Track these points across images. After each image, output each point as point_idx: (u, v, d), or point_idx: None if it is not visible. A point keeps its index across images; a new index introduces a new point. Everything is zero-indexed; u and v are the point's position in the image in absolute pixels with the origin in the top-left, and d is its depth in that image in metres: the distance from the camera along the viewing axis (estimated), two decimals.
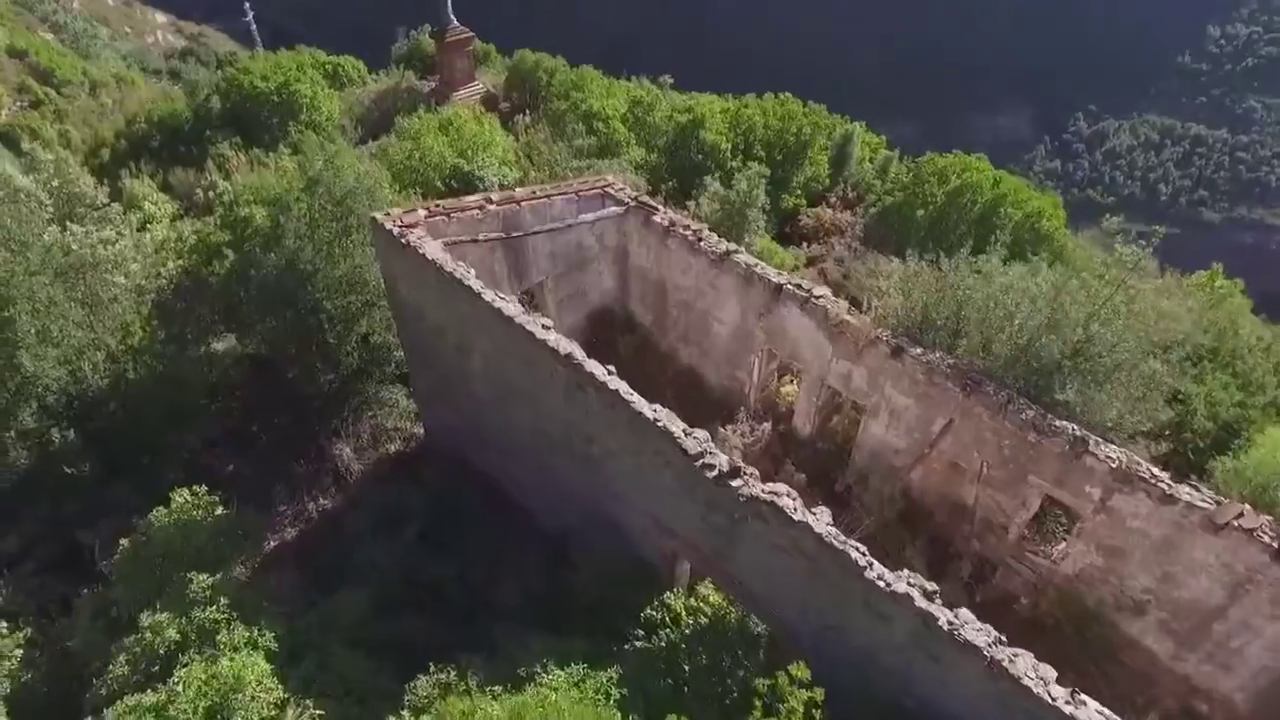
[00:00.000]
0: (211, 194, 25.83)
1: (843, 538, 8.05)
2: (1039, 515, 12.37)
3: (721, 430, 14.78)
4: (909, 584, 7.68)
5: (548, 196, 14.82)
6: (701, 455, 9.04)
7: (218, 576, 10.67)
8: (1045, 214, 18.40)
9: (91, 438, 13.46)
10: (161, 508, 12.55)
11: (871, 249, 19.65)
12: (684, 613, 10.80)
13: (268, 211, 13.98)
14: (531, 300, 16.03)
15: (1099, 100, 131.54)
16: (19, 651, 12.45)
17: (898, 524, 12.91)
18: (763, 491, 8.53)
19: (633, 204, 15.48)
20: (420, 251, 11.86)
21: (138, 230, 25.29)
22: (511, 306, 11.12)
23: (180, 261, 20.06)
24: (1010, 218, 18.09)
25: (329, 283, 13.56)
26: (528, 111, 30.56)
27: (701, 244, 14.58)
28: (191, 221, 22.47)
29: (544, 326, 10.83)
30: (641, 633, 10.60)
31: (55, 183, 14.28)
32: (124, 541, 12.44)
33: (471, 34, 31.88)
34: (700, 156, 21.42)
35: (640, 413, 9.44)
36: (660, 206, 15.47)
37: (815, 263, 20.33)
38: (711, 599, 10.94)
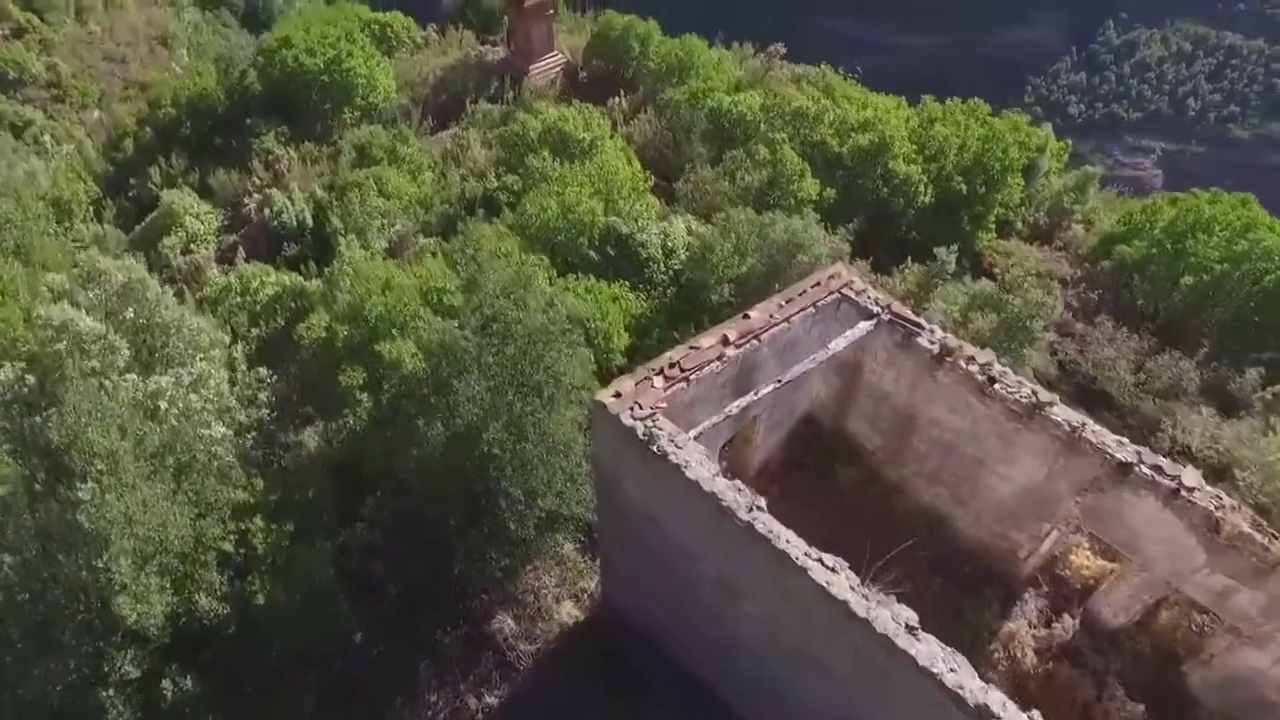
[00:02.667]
0: (268, 211, 21.86)
1: None
2: None
3: (1009, 625, 11.51)
4: None
5: (786, 320, 11.07)
6: None
7: None
8: None
9: (207, 669, 10.17)
10: None
11: (1115, 321, 15.84)
12: None
13: (422, 356, 10.24)
14: None
15: (1131, 6, 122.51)
16: None
17: None
18: None
19: (884, 316, 11.71)
20: (685, 474, 8.26)
21: (181, 254, 21.61)
22: (845, 583, 7.60)
23: (256, 332, 16.54)
24: None
25: (517, 464, 9.97)
26: (624, 94, 25.99)
27: (996, 387, 10.90)
28: (255, 265, 18.50)
29: (909, 628, 7.36)
30: None
31: (129, 313, 10.49)
32: None
33: None
34: (887, 190, 17.30)
35: None
36: (924, 323, 11.69)
37: None
38: None
